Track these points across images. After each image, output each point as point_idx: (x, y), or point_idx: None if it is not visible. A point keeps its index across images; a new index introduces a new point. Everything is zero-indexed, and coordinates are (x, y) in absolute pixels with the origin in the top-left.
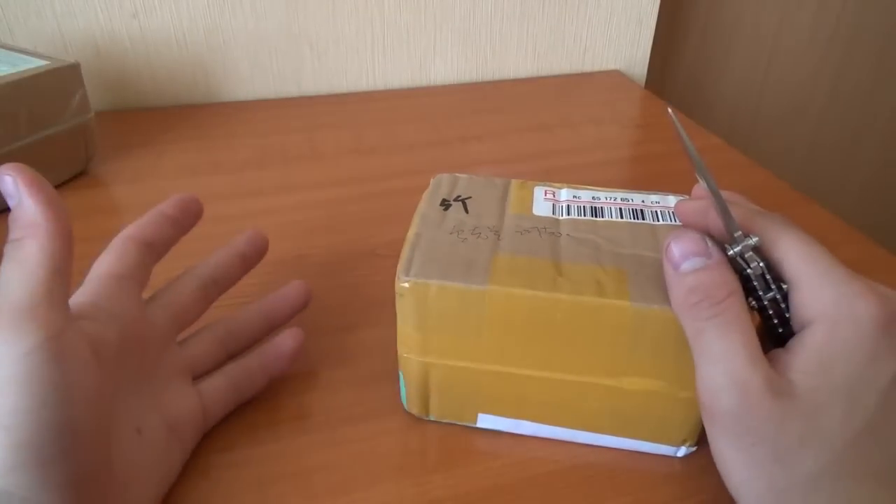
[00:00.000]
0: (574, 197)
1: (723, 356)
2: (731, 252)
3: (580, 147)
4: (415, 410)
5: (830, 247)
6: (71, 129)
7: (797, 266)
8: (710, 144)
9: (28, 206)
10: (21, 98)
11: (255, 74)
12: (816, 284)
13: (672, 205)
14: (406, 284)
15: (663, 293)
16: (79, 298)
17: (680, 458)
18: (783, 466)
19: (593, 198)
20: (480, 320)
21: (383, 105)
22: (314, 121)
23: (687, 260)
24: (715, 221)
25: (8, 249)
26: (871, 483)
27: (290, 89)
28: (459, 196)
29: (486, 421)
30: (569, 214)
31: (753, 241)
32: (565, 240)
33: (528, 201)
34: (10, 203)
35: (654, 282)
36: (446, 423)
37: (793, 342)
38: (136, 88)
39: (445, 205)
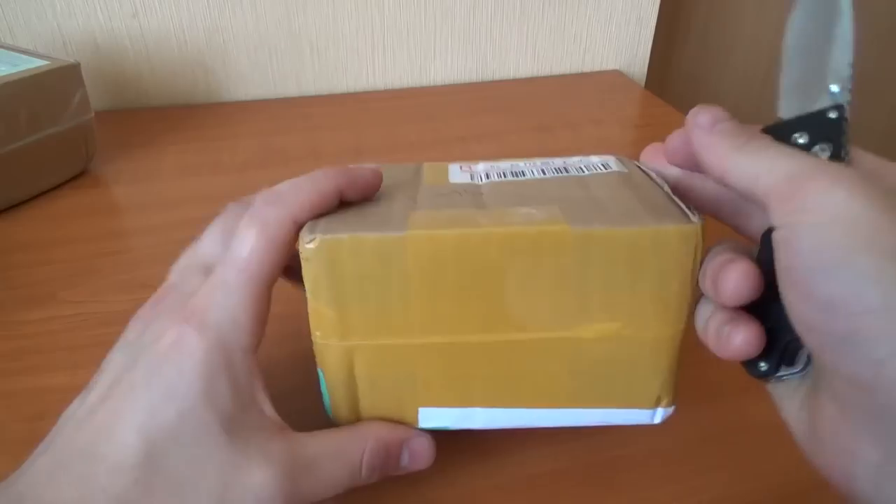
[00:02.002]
0: (492, 167)
1: (777, 154)
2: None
3: (580, 147)
4: (343, 416)
5: None
6: (71, 129)
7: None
8: None
9: None
10: (21, 98)
11: (255, 74)
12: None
13: (595, 161)
14: (312, 245)
15: (604, 217)
16: None
17: (658, 424)
18: None
19: (512, 165)
20: (405, 277)
21: (383, 105)
22: (314, 121)
23: (718, 122)
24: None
25: None
26: None
27: (290, 89)
28: None
29: (429, 417)
30: (489, 179)
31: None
32: (488, 195)
33: (444, 175)
34: None
35: (591, 210)
36: None
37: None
38: (136, 88)
39: None
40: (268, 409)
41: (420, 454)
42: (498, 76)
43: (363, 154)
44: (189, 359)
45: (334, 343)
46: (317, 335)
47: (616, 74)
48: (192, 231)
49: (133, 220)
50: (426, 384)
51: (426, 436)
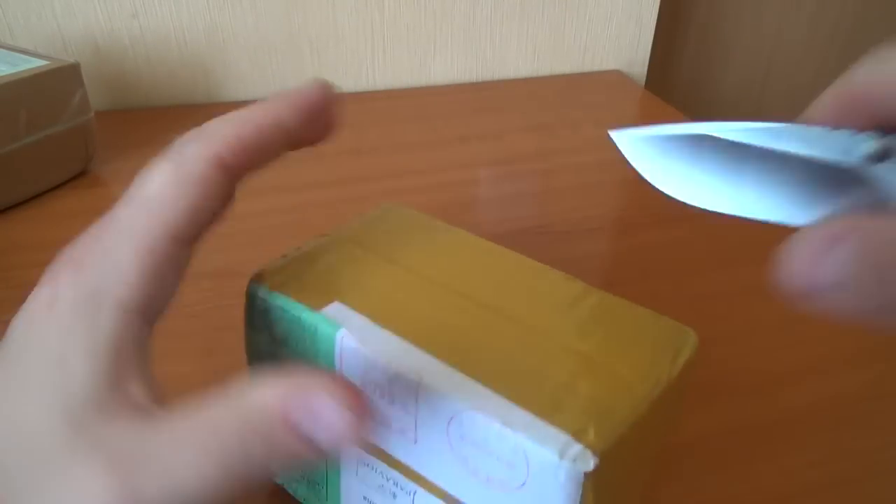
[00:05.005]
0: None
1: None
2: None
3: (580, 147)
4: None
5: None
6: (71, 129)
7: None
8: None
9: None
10: (21, 98)
11: (254, 74)
12: None
13: None
14: None
15: None
16: None
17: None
18: None
19: None
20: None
21: (383, 105)
22: None
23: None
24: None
25: None
26: None
27: None
28: None
29: (334, 313)
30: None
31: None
32: None
33: None
34: None
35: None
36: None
37: None
38: (136, 88)
39: None
40: (134, 385)
41: (329, 420)
42: (498, 76)
43: (363, 154)
44: (47, 327)
45: (334, 236)
46: (322, 237)
47: (616, 74)
48: None
49: None
50: (361, 286)
51: (339, 391)
